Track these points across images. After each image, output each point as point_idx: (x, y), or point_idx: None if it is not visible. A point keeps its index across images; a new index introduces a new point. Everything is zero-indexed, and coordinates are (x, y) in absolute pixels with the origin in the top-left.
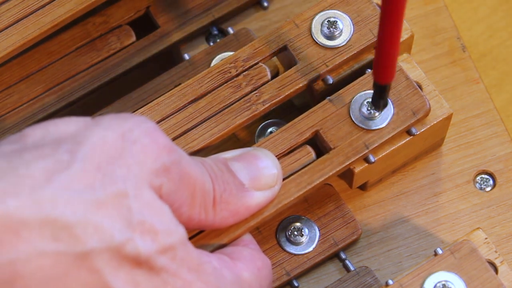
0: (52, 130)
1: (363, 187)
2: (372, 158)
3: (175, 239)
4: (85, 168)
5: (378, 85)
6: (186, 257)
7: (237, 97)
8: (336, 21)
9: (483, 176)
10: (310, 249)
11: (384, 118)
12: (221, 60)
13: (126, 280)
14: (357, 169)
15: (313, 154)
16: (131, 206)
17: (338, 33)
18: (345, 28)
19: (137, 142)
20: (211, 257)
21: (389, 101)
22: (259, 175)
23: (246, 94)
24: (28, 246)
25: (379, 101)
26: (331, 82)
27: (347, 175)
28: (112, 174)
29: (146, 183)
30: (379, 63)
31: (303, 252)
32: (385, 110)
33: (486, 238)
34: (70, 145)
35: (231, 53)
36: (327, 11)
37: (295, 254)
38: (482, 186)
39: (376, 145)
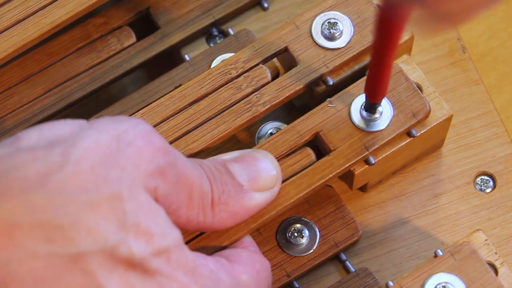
0: (47, 132)
1: (363, 189)
2: (372, 160)
3: (170, 242)
4: (78, 170)
5: (369, 102)
6: (181, 260)
7: (237, 98)
8: (337, 23)
9: (483, 177)
10: (311, 250)
11: (384, 120)
12: (222, 61)
13: (120, 282)
14: (357, 171)
15: (313, 156)
16: (125, 208)
17: (339, 35)
18: (345, 29)
19: (131, 144)
20: (207, 259)
21: (389, 103)
22: (258, 177)
23: (247, 96)
24: (21, 248)
25: (370, 111)
26: (331, 84)
27: (347, 176)
28: (106, 176)
29: (141, 185)
30: (371, 86)
31: (303, 254)
32: (385, 111)
33: (486, 240)
34: (63, 148)
35: (232, 54)
36: (327, 12)
37: (295, 256)
38: (482, 187)
39: (376, 146)
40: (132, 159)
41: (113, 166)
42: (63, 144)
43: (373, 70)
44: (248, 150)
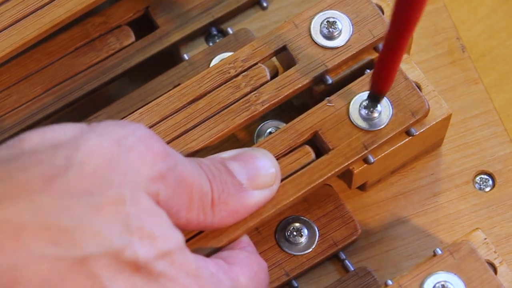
0: (49, 135)
1: (362, 188)
2: (371, 159)
3: (172, 244)
4: (82, 173)
5: (374, 94)
6: (184, 262)
7: (236, 97)
8: (335, 22)
9: (482, 176)
10: (310, 249)
11: (383, 119)
12: (221, 60)
13: (125, 285)
14: (356, 170)
15: (312, 154)
16: (128, 212)
17: (337, 34)
18: (344, 28)
19: (132, 149)
20: (207, 262)
21: (388, 101)
22: (258, 175)
23: (246, 95)
24: (26, 250)
25: (372, 106)
26: (330, 83)
27: (346, 175)
28: (108, 179)
29: (143, 190)
30: (379, 76)
31: (302, 253)
32: (384, 110)
33: (485, 239)
34: (66, 151)
35: (231, 53)
36: (326, 12)
37: (294, 255)
38: (482, 186)
39: (375, 145)
40: (133, 164)
41: (115, 170)
42: (67, 147)
43: (386, 54)
44: (247, 148)
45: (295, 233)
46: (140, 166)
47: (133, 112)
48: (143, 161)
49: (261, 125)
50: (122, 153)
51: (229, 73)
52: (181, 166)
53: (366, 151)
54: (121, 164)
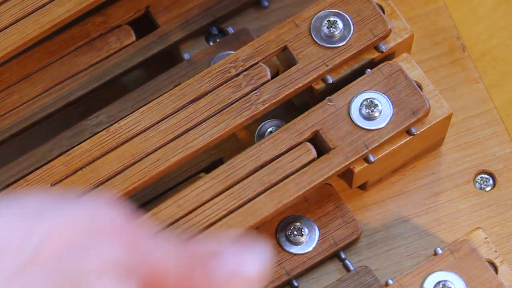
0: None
1: (363, 187)
2: (372, 158)
3: None
4: (43, 256)
5: None
6: None
7: (237, 96)
8: (336, 21)
9: (483, 175)
10: (310, 248)
11: (383, 118)
12: (221, 60)
13: None
14: (357, 169)
15: (313, 151)
16: None
17: (338, 33)
18: (345, 27)
19: (97, 240)
20: None
21: (389, 101)
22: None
23: (246, 94)
24: None
25: None
26: (331, 82)
27: (347, 174)
28: (72, 262)
29: (108, 275)
30: None
31: (303, 252)
32: (385, 110)
33: (486, 238)
34: (25, 234)
35: (231, 53)
36: (326, 11)
37: (295, 254)
38: (482, 185)
39: (376, 145)
40: (98, 253)
41: (79, 255)
42: (26, 228)
43: None
44: (245, 245)
45: (295, 232)
46: (105, 258)
47: (133, 112)
48: (108, 254)
49: (262, 124)
50: (88, 240)
51: (230, 72)
52: (151, 258)
53: (366, 151)
54: (87, 251)
